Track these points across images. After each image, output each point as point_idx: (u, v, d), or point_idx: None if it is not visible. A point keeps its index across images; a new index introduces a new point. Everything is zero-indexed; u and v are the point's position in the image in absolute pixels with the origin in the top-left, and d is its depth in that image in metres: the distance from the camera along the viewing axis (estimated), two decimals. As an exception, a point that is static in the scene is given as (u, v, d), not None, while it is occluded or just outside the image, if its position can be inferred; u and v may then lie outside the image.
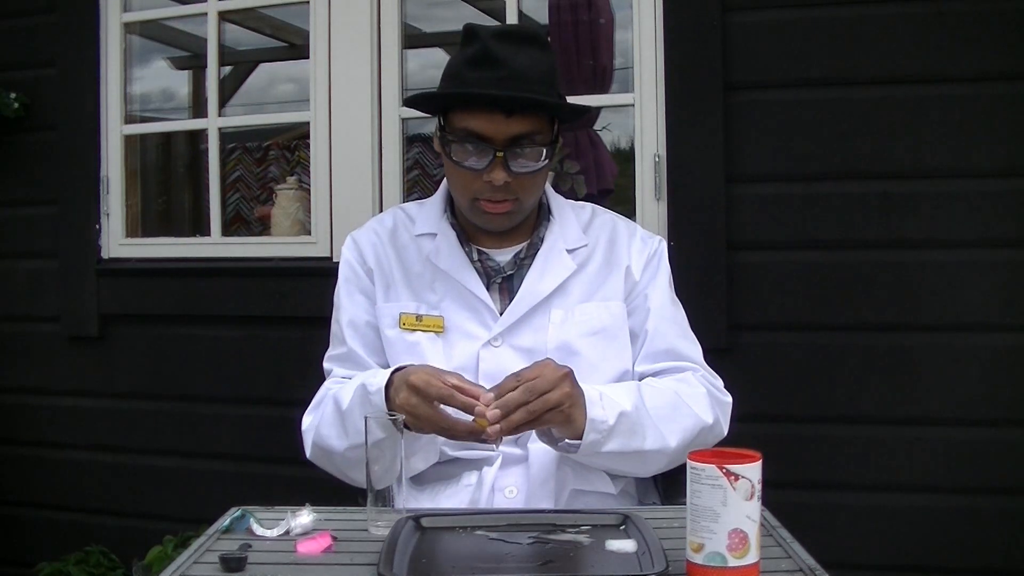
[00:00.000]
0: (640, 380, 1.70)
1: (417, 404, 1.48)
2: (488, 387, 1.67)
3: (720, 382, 1.74)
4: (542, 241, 1.75)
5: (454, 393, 1.46)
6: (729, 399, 1.72)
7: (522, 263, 1.73)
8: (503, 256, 1.74)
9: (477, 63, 1.63)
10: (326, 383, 1.75)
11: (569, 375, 1.48)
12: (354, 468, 1.60)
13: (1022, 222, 2.49)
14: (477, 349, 1.68)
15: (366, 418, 1.40)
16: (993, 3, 2.50)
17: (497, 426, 1.42)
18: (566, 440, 1.53)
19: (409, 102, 1.78)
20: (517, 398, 1.43)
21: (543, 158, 1.65)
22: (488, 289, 1.71)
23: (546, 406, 1.44)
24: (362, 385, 1.57)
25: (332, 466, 1.69)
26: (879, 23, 2.55)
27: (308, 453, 1.70)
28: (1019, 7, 2.48)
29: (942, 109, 2.52)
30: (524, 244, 1.75)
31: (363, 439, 1.45)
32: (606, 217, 1.83)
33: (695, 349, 1.76)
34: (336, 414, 1.63)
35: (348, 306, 1.76)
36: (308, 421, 1.71)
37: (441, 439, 1.60)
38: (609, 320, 1.72)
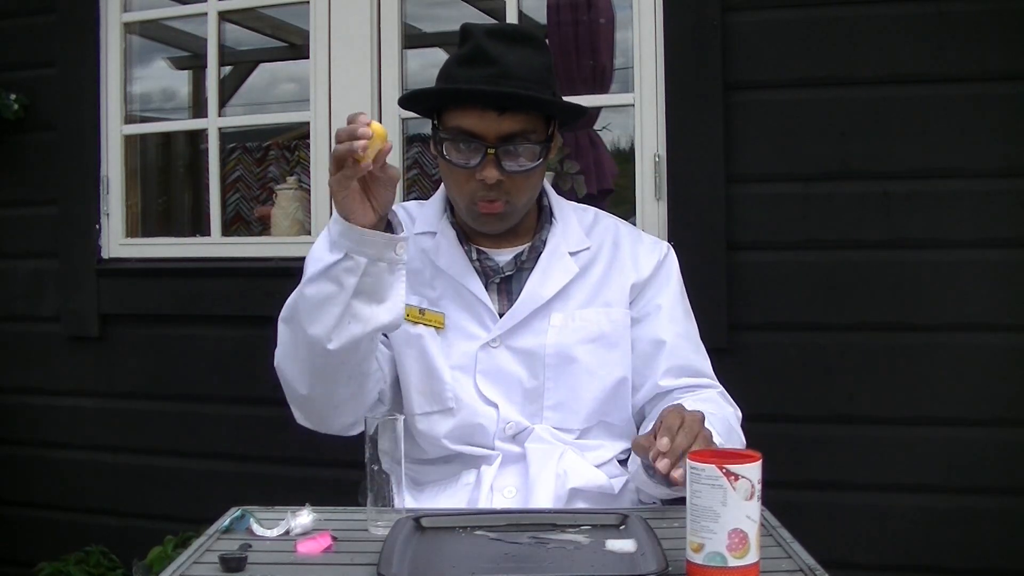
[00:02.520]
0: (665, 394, 1.70)
1: (332, 166, 1.46)
2: (487, 388, 1.68)
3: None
4: (544, 244, 1.74)
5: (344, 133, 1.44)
6: (740, 414, 1.72)
7: (523, 265, 1.73)
8: (502, 256, 1.74)
9: (469, 61, 1.63)
10: None
11: (701, 419, 1.44)
12: (311, 313, 1.51)
13: (1022, 222, 2.49)
14: (475, 349, 1.68)
15: (365, 419, 1.40)
16: (993, 3, 2.50)
17: (674, 470, 1.35)
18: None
19: (402, 102, 1.78)
20: (684, 444, 1.38)
21: (537, 157, 1.65)
22: (487, 289, 1.71)
23: (700, 427, 1.41)
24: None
25: (292, 334, 1.58)
26: (879, 23, 2.55)
27: (276, 358, 1.65)
28: (1019, 7, 2.48)
29: (942, 109, 2.52)
30: (526, 246, 1.74)
31: (318, 268, 1.48)
32: (609, 221, 1.83)
33: (707, 362, 1.76)
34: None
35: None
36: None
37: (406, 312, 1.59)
38: (609, 327, 1.71)
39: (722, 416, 1.64)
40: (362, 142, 1.40)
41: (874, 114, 2.56)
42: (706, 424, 1.46)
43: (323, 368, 1.56)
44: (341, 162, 1.44)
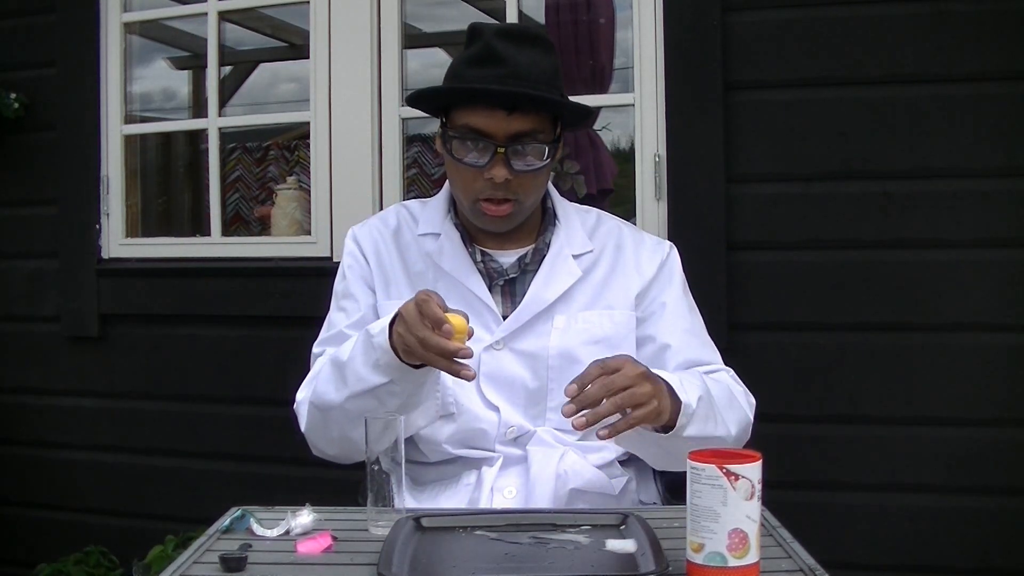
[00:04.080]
0: None
1: (405, 330, 1.44)
2: (490, 391, 1.68)
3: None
4: (548, 246, 1.74)
5: (437, 312, 1.41)
6: (754, 401, 1.72)
7: (527, 267, 1.73)
8: (506, 258, 1.74)
9: (479, 61, 1.63)
10: (319, 359, 1.71)
11: (646, 374, 1.43)
12: (353, 423, 1.54)
13: (1022, 222, 2.49)
14: (479, 351, 1.68)
15: (366, 420, 1.40)
16: (993, 3, 2.50)
17: (583, 419, 1.38)
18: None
19: (411, 99, 1.78)
20: (596, 393, 1.39)
21: (544, 157, 1.65)
22: (490, 291, 1.71)
23: (632, 400, 1.39)
24: (365, 331, 1.55)
25: (329, 429, 1.62)
26: (879, 23, 2.55)
27: (304, 425, 1.66)
28: (1019, 7, 2.48)
29: (942, 109, 2.52)
30: (529, 248, 1.74)
31: (362, 388, 1.47)
32: (612, 223, 1.83)
33: (716, 353, 1.76)
34: (334, 368, 1.60)
35: (348, 291, 1.75)
36: (302, 395, 1.68)
37: (442, 402, 1.62)
38: (612, 329, 1.71)
39: (724, 384, 1.64)
40: (468, 366, 1.41)
41: (874, 114, 2.56)
42: (677, 383, 1.48)
43: (358, 452, 1.58)
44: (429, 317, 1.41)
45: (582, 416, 1.38)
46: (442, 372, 1.49)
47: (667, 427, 1.48)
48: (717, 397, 1.59)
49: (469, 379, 1.43)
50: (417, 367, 1.49)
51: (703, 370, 1.71)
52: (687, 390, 1.51)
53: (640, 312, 1.74)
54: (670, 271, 1.78)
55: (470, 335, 1.43)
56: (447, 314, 1.41)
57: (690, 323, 1.76)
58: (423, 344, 1.41)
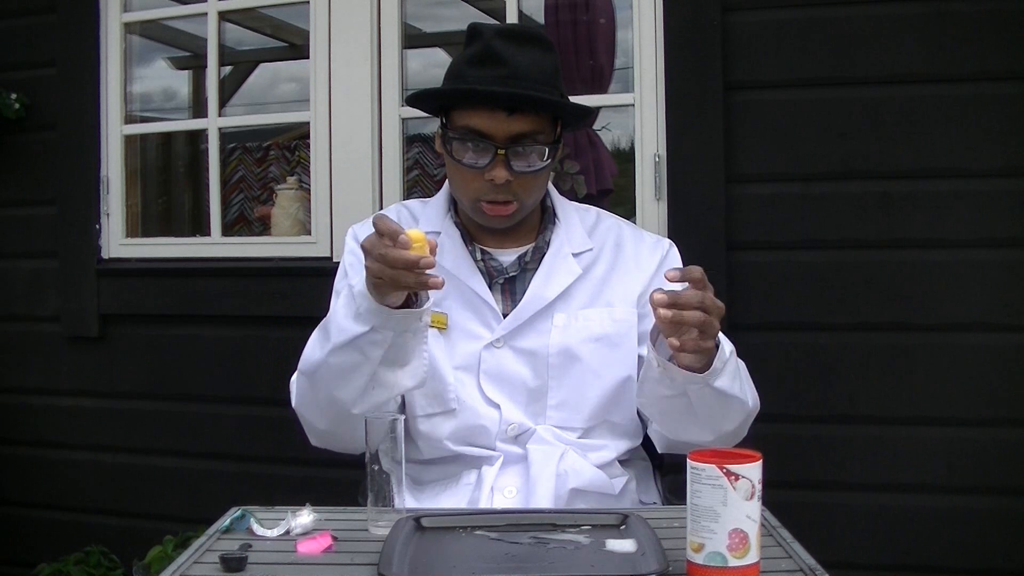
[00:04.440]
0: None
1: (370, 260, 1.41)
2: (490, 389, 1.68)
3: None
4: (548, 245, 1.74)
5: (392, 226, 1.39)
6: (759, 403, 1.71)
7: (527, 266, 1.73)
8: (507, 257, 1.74)
9: (480, 61, 1.63)
10: None
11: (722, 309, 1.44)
12: (336, 379, 1.52)
13: (1022, 222, 2.49)
14: (479, 349, 1.68)
15: (366, 419, 1.40)
16: (993, 3, 2.50)
17: (670, 312, 1.36)
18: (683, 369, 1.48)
19: (411, 100, 1.78)
20: (691, 298, 1.39)
21: (545, 158, 1.65)
22: (491, 289, 1.71)
23: (710, 328, 1.40)
24: (349, 286, 1.52)
25: (316, 392, 1.58)
26: (879, 23, 2.55)
27: (294, 399, 1.64)
28: (1019, 7, 2.48)
29: (942, 109, 2.52)
30: (529, 247, 1.74)
31: (344, 338, 1.45)
32: (611, 221, 1.83)
33: None
34: (320, 329, 1.58)
35: (348, 285, 1.74)
36: (294, 376, 1.66)
37: (428, 372, 1.58)
38: (612, 327, 1.72)
39: (738, 362, 1.63)
40: (431, 272, 1.38)
41: (874, 114, 2.56)
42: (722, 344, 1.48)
43: (346, 420, 1.57)
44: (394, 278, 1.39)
45: (669, 311, 1.36)
46: (428, 340, 1.50)
47: (700, 370, 1.47)
48: (741, 365, 1.59)
49: (438, 287, 1.39)
50: (396, 309, 1.46)
51: None
52: (724, 341, 1.52)
53: (642, 309, 1.74)
54: (671, 267, 1.78)
55: (433, 248, 1.40)
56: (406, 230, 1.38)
57: None
58: (385, 261, 1.37)
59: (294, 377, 1.65)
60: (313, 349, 1.57)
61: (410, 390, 1.58)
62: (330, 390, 1.55)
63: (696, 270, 1.43)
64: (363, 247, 1.42)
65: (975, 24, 2.49)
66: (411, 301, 1.48)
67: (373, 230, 1.78)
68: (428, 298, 1.49)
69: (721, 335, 1.52)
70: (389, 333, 1.47)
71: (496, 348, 1.69)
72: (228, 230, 3.16)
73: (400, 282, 1.40)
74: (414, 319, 1.47)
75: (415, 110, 1.83)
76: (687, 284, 1.41)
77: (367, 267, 1.42)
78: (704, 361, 1.46)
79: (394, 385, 1.52)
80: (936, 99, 2.52)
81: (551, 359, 1.68)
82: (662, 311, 1.37)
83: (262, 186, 4.27)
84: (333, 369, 1.52)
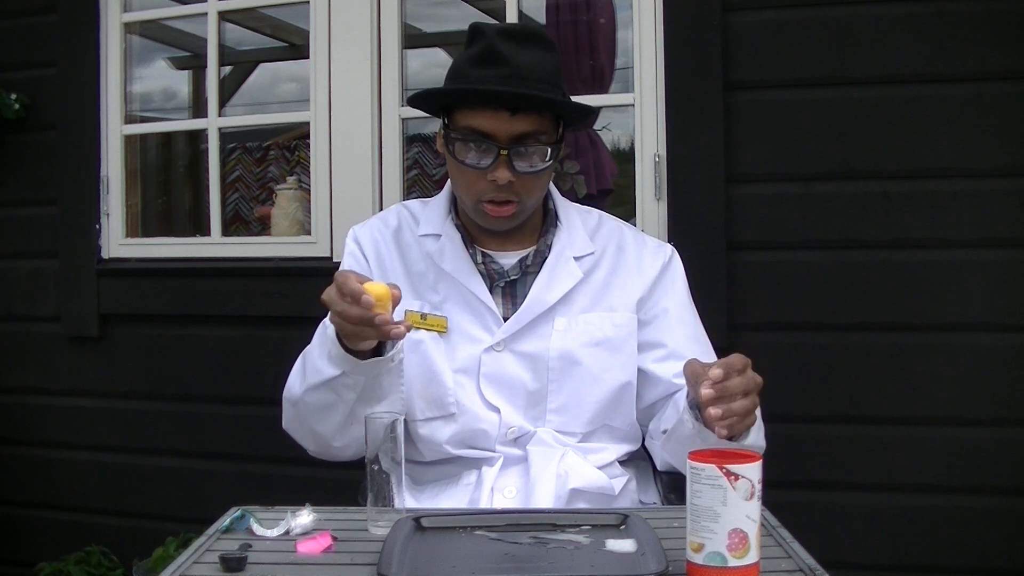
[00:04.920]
0: (680, 391, 1.68)
1: (332, 313, 1.44)
2: (490, 392, 1.68)
3: None
4: (549, 248, 1.74)
5: (353, 286, 1.41)
6: None
7: (528, 269, 1.73)
8: (508, 260, 1.73)
9: (482, 61, 1.62)
10: None
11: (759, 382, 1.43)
12: (314, 415, 1.58)
13: (1022, 222, 2.49)
14: (479, 352, 1.68)
15: (366, 419, 1.40)
16: (993, 3, 2.50)
17: (713, 407, 1.35)
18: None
19: (412, 100, 1.77)
20: (737, 386, 1.38)
21: (548, 158, 1.65)
22: (491, 292, 1.71)
23: (754, 406, 1.40)
24: (322, 323, 1.56)
25: (300, 422, 1.64)
26: (879, 23, 2.55)
27: (283, 421, 1.68)
28: (1019, 7, 2.48)
29: (942, 109, 2.52)
30: (531, 250, 1.74)
31: (318, 380, 1.50)
32: (613, 224, 1.83)
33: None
34: (301, 360, 1.63)
35: (323, 323, 1.74)
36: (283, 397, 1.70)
37: (410, 393, 1.65)
38: (612, 331, 1.71)
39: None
40: (390, 325, 1.41)
41: (874, 114, 2.56)
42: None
43: (333, 451, 1.64)
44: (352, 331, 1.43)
45: (719, 408, 1.35)
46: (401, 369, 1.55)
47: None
48: (753, 432, 1.59)
49: (399, 337, 1.43)
50: (365, 358, 1.50)
51: None
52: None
53: (643, 315, 1.74)
54: (673, 275, 1.78)
55: (396, 301, 1.44)
56: (366, 284, 1.41)
57: (694, 330, 1.76)
58: (344, 318, 1.42)
59: (283, 396, 1.67)
60: (294, 381, 1.63)
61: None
62: (310, 424, 1.61)
63: (738, 362, 1.40)
64: (323, 300, 1.46)
65: (975, 24, 2.49)
66: (382, 346, 1.52)
67: (370, 230, 1.79)
68: (395, 344, 1.52)
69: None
70: (360, 378, 1.51)
71: (496, 352, 1.69)
72: (225, 229, 3.16)
73: (362, 336, 1.44)
74: (384, 364, 1.51)
75: (415, 110, 1.82)
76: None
77: (331, 320, 1.46)
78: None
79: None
80: (936, 99, 2.52)
81: (551, 363, 1.68)
82: (712, 411, 1.36)
83: (260, 186, 4.27)
84: (311, 407, 1.58)
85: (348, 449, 1.63)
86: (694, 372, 1.44)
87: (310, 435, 1.64)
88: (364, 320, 1.40)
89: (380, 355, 1.51)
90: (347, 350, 1.49)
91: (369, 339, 1.46)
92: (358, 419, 1.52)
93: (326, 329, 1.52)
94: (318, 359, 1.53)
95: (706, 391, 1.36)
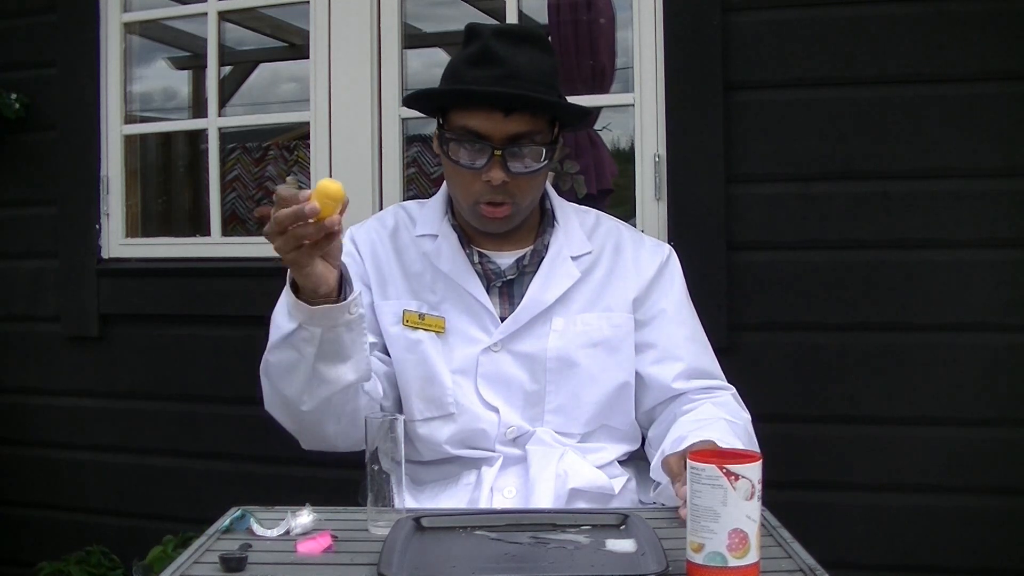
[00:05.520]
0: (678, 396, 1.70)
1: (279, 244, 1.41)
2: (488, 393, 1.68)
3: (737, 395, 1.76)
4: (547, 248, 1.74)
5: (284, 190, 1.42)
6: (749, 417, 1.73)
7: (525, 269, 1.72)
8: (505, 260, 1.73)
9: (477, 61, 1.62)
10: None
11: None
12: (279, 378, 1.52)
13: (1022, 222, 2.49)
14: (477, 353, 1.68)
15: (366, 419, 1.40)
16: (993, 3, 2.50)
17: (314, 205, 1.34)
18: None
19: (408, 101, 1.77)
20: None
21: (542, 159, 1.65)
22: (488, 293, 1.71)
23: None
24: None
25: (272, 394, 1.57)
26: (879, 23, 2.55)
27: (264, 400, 1.62)
28: (1019, 7, 2.48)
29: (942, 109, 2.52)
30: (528, 250, 1.74)
31: (278, 336, 1.47)
32: (610, 224, 1.82)
33: (716, 362, 1.77)
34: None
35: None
36: None
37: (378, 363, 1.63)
38: (610, 332, 1.71)
39: (743, 427, 1.64)
40: (316, 217, 1.37)
41: (874, 114, 2.56)
42: (731, 439, 1.49)
43: (306, 419, 1.57)
44: (294, 239, 1.39)
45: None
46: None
47: None
48: (745, 446, 1.59)
49: (332, 227, 1.37)
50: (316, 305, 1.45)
51: (705, 384, 1.71)
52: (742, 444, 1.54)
53: (640, 316, 1.74)
54: (671, 275, 1.78)
55: (344, 205, 1.38)
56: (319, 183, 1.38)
57: (692, 330, 1.76)
58: (279, 223, 1.38)
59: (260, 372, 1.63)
60: (265, 354, 1.58)
61: (355, 384, 1.55)
62: (278, 388, 1.55)
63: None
64: (264, 234, 1.42)
65: (975, 24, 2.49)
66: (339, 297, 1.47)
67: (367, 231, 1.78)
68: (352, 290, 1.49)
69: (735, 433, 1.55)
70: (317, 329, 1.46)
71: (494, 352, 1.69)
72: (225, 229, 3.16)
73: (300, 240, 1.39)
74: (339, 313, 1.46)
75: (414, 110, 1.82)
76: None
77: (277, 247, 1.42)
78: None
79: (336, 380, 1.51)
80: (936, 99, 2.52)
81: (549, 363, 1.68)
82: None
83: (258, 185, 4.27)
84: (276, 367, 1.53)
85: (325, 423, 1.56)
86: (671, 472, 1.46)
87: (282, 403, 1.57)
88: (296, 215, 1.36)
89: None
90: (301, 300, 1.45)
91: (310, 245, 1.39)
92: (323, 380, 1.49)
93: (286, 285, 1.49)
94: (278, 316, 1.51)
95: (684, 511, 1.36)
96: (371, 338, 1.63)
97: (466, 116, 1.62)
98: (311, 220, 1.36)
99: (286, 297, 1.47)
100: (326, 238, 1.39)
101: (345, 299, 1.47)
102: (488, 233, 1.72)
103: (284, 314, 1.49)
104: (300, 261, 1.42)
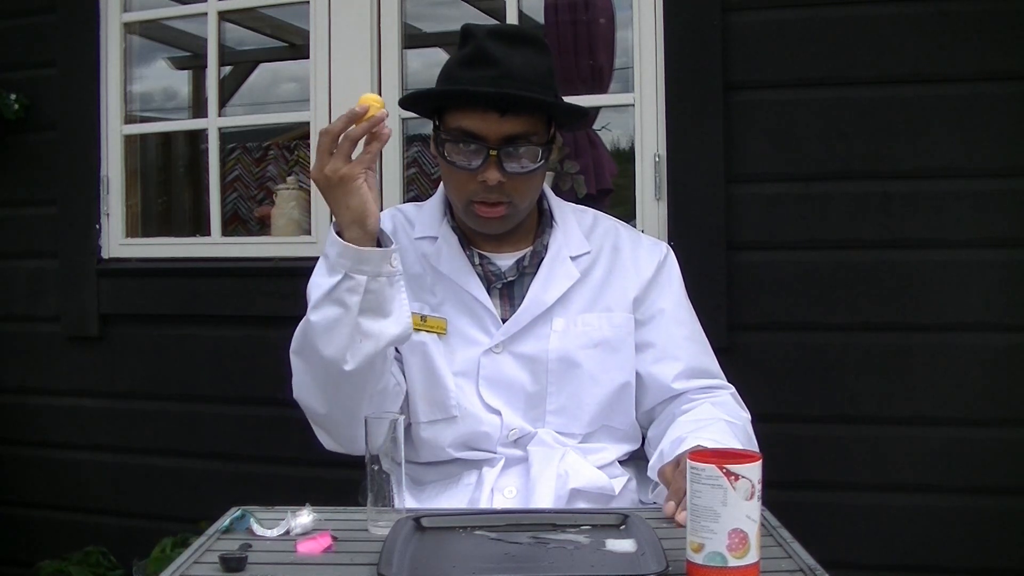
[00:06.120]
0: (678, 396, 1.71)
1: (330, 162, 1.48)
2: (489, 395, 1.68)
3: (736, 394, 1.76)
4: (546, 249, 1.74)
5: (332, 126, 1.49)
6: (749, 416, 1.73)
7: (525, 270, 1.72)
8: (504, 261, 1.73)
9: (471, 62, 1.62)
10: None
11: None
12: (322, 338, 1.51)
13: (1022, 222, 2.49)
14: (478, 355, 1.68)
15: (366, 419, 1.40)
16: (993, 3, 2.50)
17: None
18: None
19: (403, 102, 1.77)
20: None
21: (538, 159, 1.64)
22: (488, 294, 1.71)
23: None
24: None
25: (308, 365, 1.57)
26: (879, 23, 2.55)
27: (294, 390, 1.61)
28: (1019, 7, 2.48)
29: (942, 109, 2.52)
30: (527, 251, 1.74)
31: (320, 293, 1.50)
32: (608, 224, 1.82)
33: (715, 361, 1.77)
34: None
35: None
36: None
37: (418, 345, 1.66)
38: (611, 332, 1.71)
39: (742, 427, 1.64)
40: (378, 116, 1.46)
41: (874, 114, 2.56)
42: (730, 441, 1.50)
43: (343, 390, 1.55)
44: (348, 143, 1.47)
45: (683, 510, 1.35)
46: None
47: None
48: (744, 446, 1.60)
49: (382, 119, 1.47)
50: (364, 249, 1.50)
51: (705, 384, 1.71)
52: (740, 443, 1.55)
53: (639, 315, 1.74)
54: (669, 274, 1.78)
55: (384, 114, 1.48)
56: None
57: (690, 330, 1.76)
58: (331, 133, 1.47)
59: (290, 352, 1.62)
60: (300, 325, 1.57)
61: (397, 340, 1.55)
62: (319, 351, 1.52)
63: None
64: (311, 175, 1.50)
65: (975, 24, 2.49)
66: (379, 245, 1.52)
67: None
68: (389, 239, 1.54)
69: (734, 433, 1.56)
70: (362, 277, 1.48)
71: (495, 354, 1.68)
72: (224, 229, 3.16)
73: (354, 142, 1.47)
74: (382, 260, 1.50)
75: (412, 112, 1.82)
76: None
77: (326, 171, 1.48)
78: None
79: (380, 334, 1.51)
80: (936, 99, 2.52)
81: (550, 364, 1.68)
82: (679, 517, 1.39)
83: (259, 186, 4.27)
84: (318, 328, 1.51)
85: (362, 398, 1.54)
86: (664, 481, 1.49)
87: (321, 372, 1.54)
88: (350, 117, 1.46)
89: None
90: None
91: (362, 167, 1.48)
92: (365, 334, 1.50)
93: (328, 239, 1.53)
94: (318, 276, 1.53)
95: (680, 516, 1.38)
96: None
97: (461, 117, 1.62)
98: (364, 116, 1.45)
99: (332, 247, 1.51)
100: (375, 140, 1.47)
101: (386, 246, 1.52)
102: (486, 234, 1.72)
103: (324, 273, 1.52)
104: (353, 172, 1.48)
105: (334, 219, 1.54)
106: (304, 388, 1.60)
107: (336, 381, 1.54)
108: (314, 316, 1.52)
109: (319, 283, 1.52)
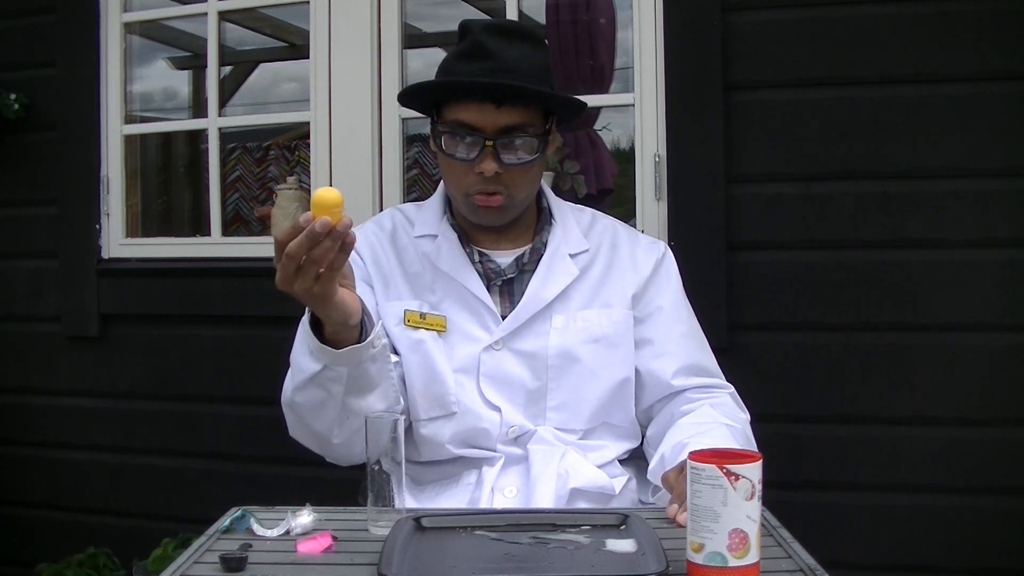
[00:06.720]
0: (677, 394, 1.71)
1: (299, 283, 1.36)
2: (490, 391, 1.68)
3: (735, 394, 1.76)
4: (545, 246, 1.74)
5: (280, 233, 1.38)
6: (748, 417, 1.73)
7: (524, 267, 1.73)
8: (504, 258, 1.74)
9: (468, 56, 1.64)
10: None
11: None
12: (308, 414, 1.53)
13: (1022, 222, 2.49)
14: (478, 351, 1.68)
15: (366, 419, 1.40)
16: (993, 3, 2.50)
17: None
18: None
19: (400, 97, 1.79)
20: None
21: (535, 151, 1.66)
22: (488, 291, 1.71)
23: None
24: (302, 321, 1.51)
25: (298, 426, 1.60)
26: (879, 23, 2.55)
27: (288, 427, 1.64)
28: (1019, 7, 2.48)
29: (942, 109, 2.52)
30: (526, 248, 1.74)
31: (303, 377, 1.47)
32: (606, 222, 1.84)
33: (713, 359, 1.77)
34: (290, 363, 1.58)
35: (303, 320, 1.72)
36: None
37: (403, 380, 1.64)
38: (610, 328, 1.72)
39: (742, 429, 1.65)
40: (341, 229, 1.32)
41: (874, 114, 2.56)
42: (730, 445, 1.49)
43: (337, 448, 1.59)
44: (314, 265, 1.35)
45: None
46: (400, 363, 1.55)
47: None
48: (747, 432, 1.61)
49: (346, 230, 1.32)
50: (344, 347, 1.45)
51: (704, 382, 1.72)
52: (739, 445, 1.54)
53: (637, 312, 1.74)
54: (667, 272, 1.79)
55: (348, 222, 1.33)
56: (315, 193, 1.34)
57: (688, 327, 1.77)
58: (294, 256, 1.34)
59: (282, 402, 1.64)
60: (287, 385, 1.59)
61: (385, 410, 1.55)
62: (307, 425, 1.56)
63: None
64: (277, 286, 1.39)
65: (975, 24, 2.49)
66: (362, 334, 1.47)
67: (366, 234, 1.78)
68: (374, 325, 1.49)
69: (734, 436, 1.56)
70: (342, 369, 1.47)
71: (495, 350, 1.69)
72: (225, 229, 3.16)
73: (320, 263, 1.34)
74: (364, 351, 1.47)
75: (411, 109, 1.83)
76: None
77: (297, 292, 1.38)
78: None
79: (367, 410, 1.51)
80: (936, 99, 2.52)
81: (550, 361, 1.68)
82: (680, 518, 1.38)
83: (260, 186, 4.27)
84: (303, 407, 1.54)
85: (354, 446, 1.57)
86: (668, 487, 1.49)
87: (312, 436, 1.60)
88: (310, 238, 1.30)
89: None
90: (324, 342, 1.45)
91: (335, 282, 1.36)
92: (353, 412, 1.50)
93: (303, 325, 1.49)
94: (300, 357, 1.51)
95: (682, 517, 1.37)
96: (393, 358, 1.64)
97: (458, 109, 1.63)
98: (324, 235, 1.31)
99: (308, 340, 1.46)
100: (342, 251, 1.35)
101: (366, 335, 1.47)
102: (487, 229, 1.72)
103: (306, 354, 1.49)
104: (326, 291, 1.38)
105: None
106: (297, 436, 1.64)
107: (326, 445, 1.59)
108: (298, 397, 1.54)
109: (301, 365, 1.50)
